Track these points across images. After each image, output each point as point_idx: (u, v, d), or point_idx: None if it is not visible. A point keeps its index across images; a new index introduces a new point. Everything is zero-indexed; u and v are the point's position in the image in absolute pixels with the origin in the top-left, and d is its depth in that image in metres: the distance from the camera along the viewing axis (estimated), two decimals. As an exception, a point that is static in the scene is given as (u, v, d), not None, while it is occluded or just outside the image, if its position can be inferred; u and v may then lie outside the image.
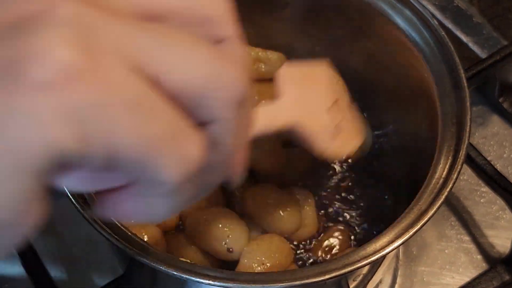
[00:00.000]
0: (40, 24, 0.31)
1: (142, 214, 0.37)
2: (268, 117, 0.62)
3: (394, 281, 0.85)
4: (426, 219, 0.61)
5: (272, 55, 0.79)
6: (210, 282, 0.58)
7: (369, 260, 0.59)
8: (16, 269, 0.85)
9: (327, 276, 0.58)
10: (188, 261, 0.62)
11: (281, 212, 0.75)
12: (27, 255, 0.78)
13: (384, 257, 0.64)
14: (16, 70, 0.30)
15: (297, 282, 0.58)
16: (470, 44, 1.03)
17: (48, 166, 0.31)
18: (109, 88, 0.31)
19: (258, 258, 0.70)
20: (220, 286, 0.59)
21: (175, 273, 0.58)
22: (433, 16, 0.73)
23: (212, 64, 0.34)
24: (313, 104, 0.68)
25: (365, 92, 0.87)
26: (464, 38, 1.04)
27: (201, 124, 0.35)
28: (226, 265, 0.71)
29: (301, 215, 0.76)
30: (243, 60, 0.39)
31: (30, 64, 0.30)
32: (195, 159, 0.34)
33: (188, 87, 0.33)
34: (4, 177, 0.30)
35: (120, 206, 0.38)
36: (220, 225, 0.71)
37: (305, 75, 0.70)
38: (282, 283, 0.58)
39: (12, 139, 0.30)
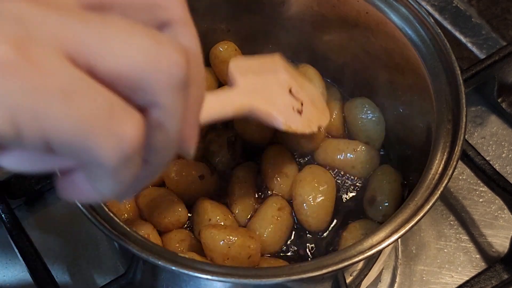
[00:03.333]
0: None
1: (95, 195, 0.38)
2: (224, 102, 0.63)
3: (393, 280, 0.86)
4: (422, 214, 0.61)
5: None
6: (209, 277, 0.58)
7: (366, 255, 0.60)
8: (18, 269, 0.86)
9: (324, 271, 0.58)
10: (187, 256, 0.63)
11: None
12: (30, 255, 0.78)
13: (380, 252, 0.65)
14: None
15: (294, 277, 0.58)
16: (469, 45, 1.04)
17: None
18: (40, 76, 0.32)
19: None
20: (218, 281, 0.59)
21: (173, 268, 0.59)
22: (431, 16, 0.74)
23: (150, 49, 0.35)
24: (268, 90, 0.69)
25: (361, 89, 0.87)
26: (463, 38, 1.04)
27: (144, 107, 0.36)
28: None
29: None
30: (189, 42, 0.39)
31: None
32: (131, 139, 0.34)
33: (124, 72, 0.34)
34: None
35: (74, 187, 0.39)
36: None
37: (258, 66, 0.72)
38: (279, 277, 0.58)
39: None
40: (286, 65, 0.77)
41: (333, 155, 0.82)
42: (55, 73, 0.33)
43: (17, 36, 0.32)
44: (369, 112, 0.84)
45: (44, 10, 0.34)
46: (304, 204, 0.77)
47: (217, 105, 0.61)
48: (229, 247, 0.71)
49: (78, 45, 0.34)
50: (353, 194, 0.82)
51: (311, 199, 0.76)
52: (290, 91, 0.72)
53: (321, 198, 0.77)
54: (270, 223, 0.77)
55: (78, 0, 0.36)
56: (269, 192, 0.81)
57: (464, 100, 0.68)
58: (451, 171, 0.63)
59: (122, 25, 0.35)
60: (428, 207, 0.61)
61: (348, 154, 0.82)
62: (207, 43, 0.89)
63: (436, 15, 1.05)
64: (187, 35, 0.39)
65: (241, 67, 0.69)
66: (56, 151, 0.34)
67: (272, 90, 0.70)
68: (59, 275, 0.85)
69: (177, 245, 0.76)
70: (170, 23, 0.39)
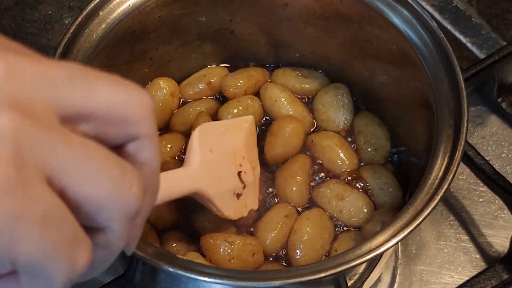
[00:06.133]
0: None
1: None
2: (174, 185, 0.65)
3: (393, 280, 0.86)
4: (421, 219, 0.61)
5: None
6: (207, 279, 0.59)
7: (365, 258, 0.60)
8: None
9: (322, 275, 0.59)
10: (186, 258, 0.63)
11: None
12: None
13: (380, 255, 0.65)
14: None
15: (292, 280, 0.59)
16: (469, 45, 1.03)
17: None
18: (25, 203, 0.34)
19: None
20: (217, 283, 0.59)
21: (171, 269, 0.59)
22: (432, 17, 0.73)
23: (115, 184, 0.38)
24: (219, 171, 0.71)
25: (363, 92, 0.87)
26: (463, 38, 1.04)
27: (96, 227, 0.39)
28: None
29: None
30: (150, 156, 0.43)
31: None
32: (82, 266, 0.37)
33: (90, 199, 0.37)
34: None
35: None
36: None
37: (221, 135, 0.74)
38: (278, 280, 0.59)
39: None
40: (251, 132, 0.78)
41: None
42: (39, 200, 0.35)
43: (17, 156, 0.34)
44: (377, 127, 0.85)
45: (40, 128, 0.35)
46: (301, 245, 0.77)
47: (167, 188, 0.63)
48: (231, 247, 0.72)
49: (58, 169, 0.36)
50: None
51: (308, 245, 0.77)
52: (239, 173, 0.74)
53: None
54: (275, 228, 0.78)
55: (57, 110, 0.37)
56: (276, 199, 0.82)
57: (466, 105, 0.68)
58: (451, 176, 0.63)
59: (97, 152, 0.38)
60: (427, 211, 0.62)
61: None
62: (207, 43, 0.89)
63: (436, 15, 1.05)
64: (151, 149, 0.42)
65: (204, 135, 0.71)
66: (15, 267, 0.36)
67: (221, 172, 0.72)
68: (59, 274, 0.85)
69: (174, 245, 0.76)
70: (138, 137, 0.42)
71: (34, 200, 0.34)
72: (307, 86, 0.89)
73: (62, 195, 0.36)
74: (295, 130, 0.84)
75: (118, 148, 0.41)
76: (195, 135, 0.70)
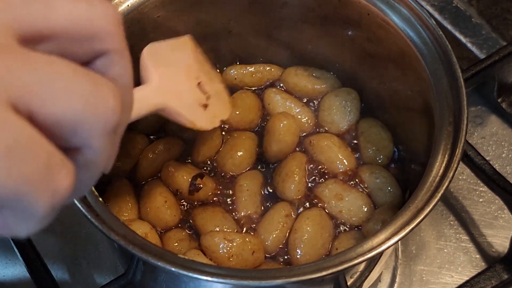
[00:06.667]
0: None
1: (7, 231, 0.38)
2: (139, 102, 0.64)
3: (393, 280, 0.86)
4: (422, 216, 0.61)
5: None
6: (208, 278, 0.58)
7: (366, 257, 0.59)
8: (18, 268, 0.86)
9: (324, 273, 0.58)
10: (187, 257, 0.63)
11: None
12: (29, 255, 0.78)
13: (381, 254, 0.65)
14: None
15: (294, 279, 0.58)
16: (469, 45, 1.04)
17: None
18: None
19: None
20: (218, 282, 0.59)
21: (172, 269, 0.59)
22: (432, 16, 0.73)
23: (89, 96, 0.35)
24: (178, 84, 0.71)
25: (362, 91, 0.87)
26: (463, 38, 1.04)
27: (74, 147, 0.37)
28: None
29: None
30: (122, 70, 0.40)
31: None
32: (64, 191, 0.35)
33: (62, 118, 0.35)
34: None
35: None
36: None
37: (169, 53, 0.73)
38: (279, 279, 0.58)
39: None
40: (196, 49, 0.78)
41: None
42: (3, 129, 0.32)
43: None
44: (380, 129, 0.85)
45: None
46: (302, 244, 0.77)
47: (135, 105, 0.63)
48: (231, 245, 0.72)
49: (22, 92, 0.33)
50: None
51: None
52: (198, 84, 0.74)
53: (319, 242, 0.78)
54: (276, 228, 0.78)
55: (15, 30, 0.35)
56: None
57: (465, 103, 0.68)
58: (451, 174, 0.63)
59: (64, 68, 0.35)
60: (428, 209, 0.61)
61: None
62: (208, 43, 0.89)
63: (436, 15, 1.05)
64: (121, 64, 0.40)
65: (154, 56, 0.70)
66: None
67: (181, 85, 0.72)
68: (59, 275, 0.85)
69: (176, 244, 0.76)
70: (107, 52, 0.39)
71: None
72: (318, 87, 0.89)
73: (32, 119, 0.34)
74: (288, 126, 0.83)
75: (86, 65, 0.39)
76: (144, 54, 0.70)
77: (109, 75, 0.39)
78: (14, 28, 0.35)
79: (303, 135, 0.87)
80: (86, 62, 0.39)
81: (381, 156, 0.84)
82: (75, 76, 0.35)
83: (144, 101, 0.66)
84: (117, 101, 0.37)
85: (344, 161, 0.83)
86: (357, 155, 0.85)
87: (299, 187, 0.81)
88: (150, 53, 0.70)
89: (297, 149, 0.85)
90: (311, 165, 0.84)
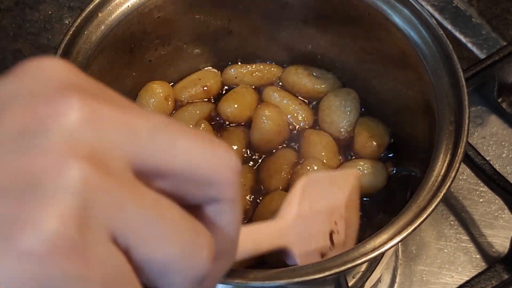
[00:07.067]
0: (45, 185, 0.31)
1: None
2: (261, 239, 0.60)
3: (393, 280, 0.86)
4: (424, 216, 0.61)
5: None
6: (209, 278, 0.58)
7: (368, 257, 0.59)
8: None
9: (326, 273, 0.58)
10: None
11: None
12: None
13: (383, 254, 0.65)
14: (8, 232, 0.30)
15: (296, 279, 0.58)
16: (469, 45, 1.04)
17: None
18: (87, 265, 0.31)
19: None
20: (220, 283, 0.59)
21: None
22: (432, 16, 0.73)
23: (184, 249, 0.34)
24: (312, 227, 0.65)
25: (363, 91, 0.87)
26: (463, 38, 1.04)
27: None
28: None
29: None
30: (229, 222, 0.39)
31: (22, 231, 0.30)
32: None
33: (155, 262, 0.34)
34: None
35: None
36: None
37: (324, 187, 0.68)
38: (282, 280, 0.58)
39: None
40: (356, 189, 0.71)
41: None
42: (101, 262, 0.32)
43: (78, 214, 0.31)
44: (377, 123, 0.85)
45: (108, 181, 0.32)
46: None
47: (253, 242, 0.58)
48: None
49: (126, 227, 0.33)
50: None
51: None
52: (331, 234, 0.67)
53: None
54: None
55: (134, 163, 0.34)
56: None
57: (466, 102, 0.68)
58: (454, 173, 0.63)
59: (171, 212, 0.34)
60: (431, 209, 0.61)
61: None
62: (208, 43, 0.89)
63: (436, 15, 1.05)
64: (230, 215, 0.39)
65: (308, 188, 0.65)
66: None
67: (315, 228, 0.65)
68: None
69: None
70: (219, 201, 0.38)
71: (96, 261, 0.31)
72: (318, 86, 0.89)
73: (126, 253, 0.33)
74: (271, 115, 0.83)
75: (194, 207, 0.38)
76: (299, 187, 0.64)
77: (217, 223, 0.38)
78: (133, 159, 0.34)
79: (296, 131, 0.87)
80: (195, 204, 0.38)
81: (378, 152, 0.84)
82: (179, 224, 0.34)
83: (268, 239, 0.60)
84: (210, 253, 0.36)
85: (325, 160, 0.82)
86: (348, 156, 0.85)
87: (286, 183, 0.81)
88: (306, 185, 0.65)
89: (289, 144, 0.86)
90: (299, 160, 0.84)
